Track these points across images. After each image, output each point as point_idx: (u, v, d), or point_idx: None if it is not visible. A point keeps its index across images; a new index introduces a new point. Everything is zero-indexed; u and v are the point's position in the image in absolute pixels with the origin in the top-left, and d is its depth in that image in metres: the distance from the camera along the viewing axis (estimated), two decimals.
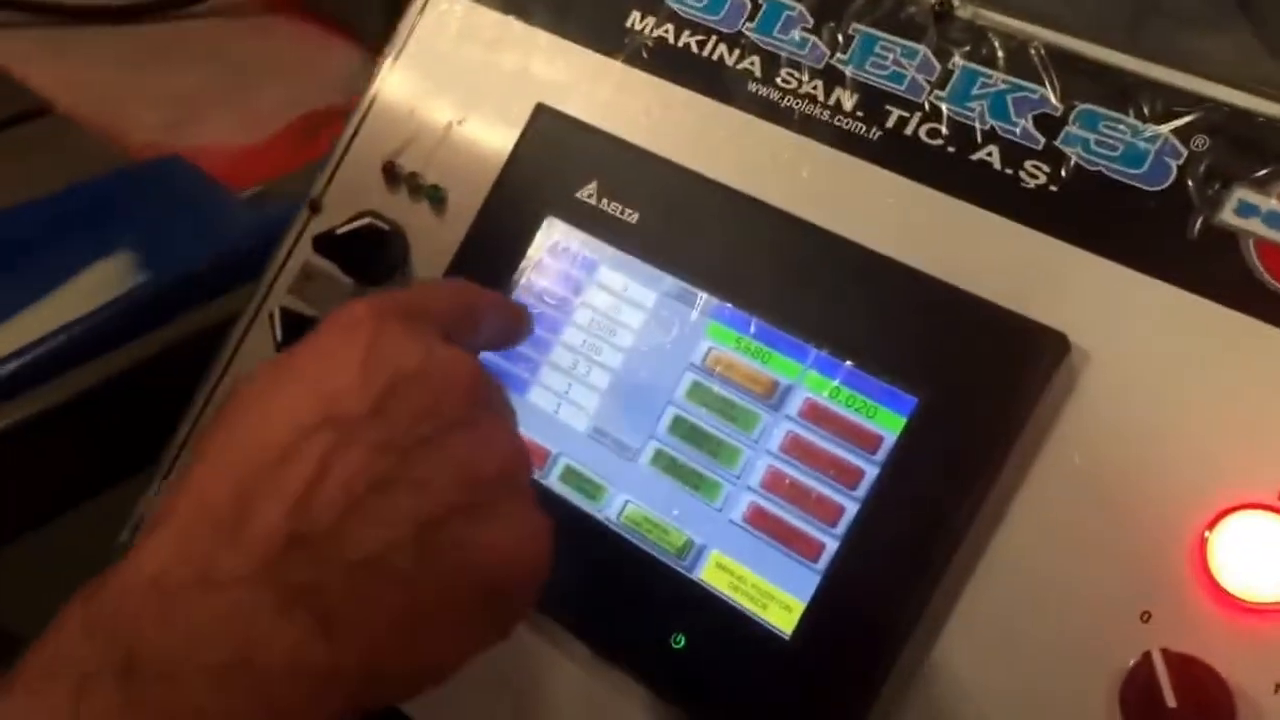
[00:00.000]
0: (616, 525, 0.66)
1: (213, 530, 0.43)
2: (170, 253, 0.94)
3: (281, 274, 0.80)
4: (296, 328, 0.73)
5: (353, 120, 0.80)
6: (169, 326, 0.92)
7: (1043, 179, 0.62)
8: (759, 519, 0.63)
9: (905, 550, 0.59)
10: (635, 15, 0.74)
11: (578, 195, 0.70)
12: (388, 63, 0.81)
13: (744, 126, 0.69)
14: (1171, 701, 0.51)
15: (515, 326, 0.62)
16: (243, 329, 0.80)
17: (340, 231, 0.72)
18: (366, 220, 0.72)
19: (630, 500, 0.66)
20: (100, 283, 0.94)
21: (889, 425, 0.61)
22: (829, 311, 0.64)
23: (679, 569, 0.64)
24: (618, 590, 0.66)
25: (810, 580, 0.61)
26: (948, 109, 0.65)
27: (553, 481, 0.68)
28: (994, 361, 0.59)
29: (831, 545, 0.61)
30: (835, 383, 0.63)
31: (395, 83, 0.80)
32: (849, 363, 0.62)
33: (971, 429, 0.59)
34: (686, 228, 0.68)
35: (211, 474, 0.46)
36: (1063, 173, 0.62)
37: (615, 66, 0.74)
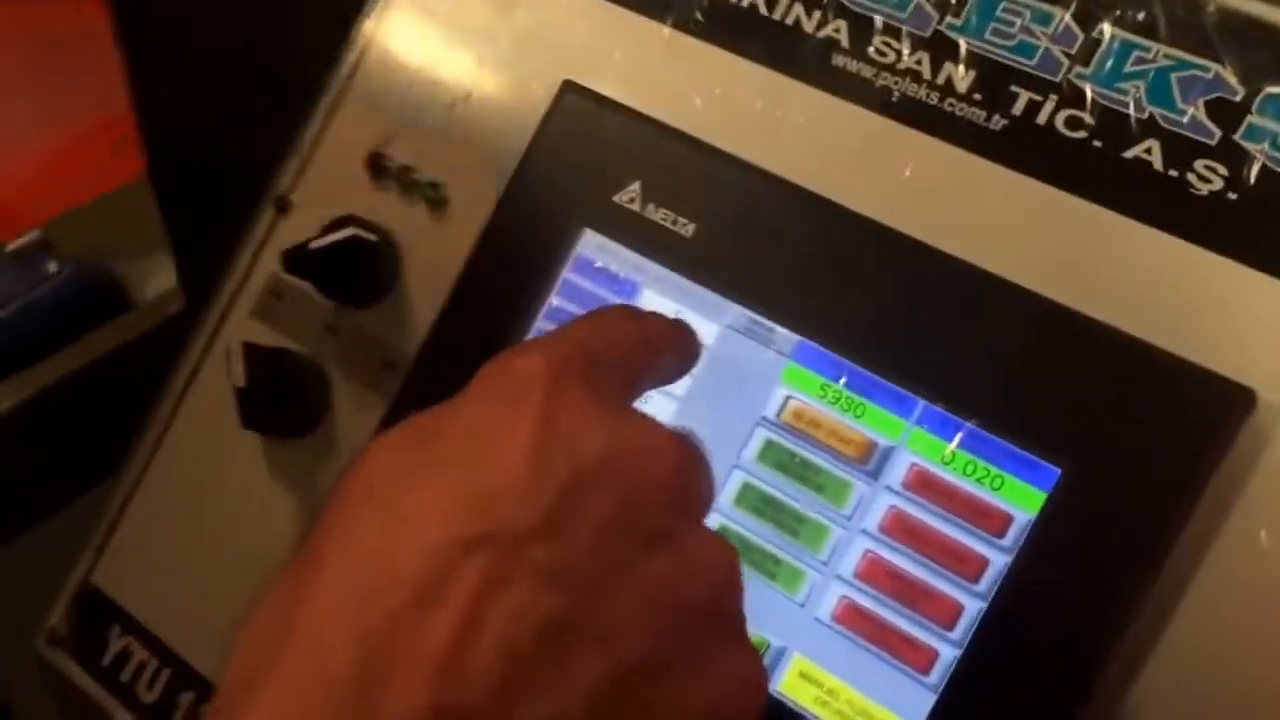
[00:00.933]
0: None
1: (333, 707, 0.36)
2: None
3: (242, 291, 0.70)
4: (265, 368, 0.63)
5: (326, 98, 0.70)
6: None
7: (1218, 184, 0.54)
8: (853, 618, 0.55)
9: (1044, 662, 0.52)
10: None
11: (616, 199, 0.61)
12: (369, 24, 0.71)
13: (827, 112, 0.61)
14: None
15: (689, 354, 0.53)
16: (192, 364, 0.71)
17: (315, 246, 0.63)
18: (349, 232, 0.63)
19: None
20: None
21: (1023, 502, 0.53)
22: (941, 354, 0.56)
23: None
24: None
25: (922, 698, 0.54)
26: (1093, 91, 0.56)
27: None
28: (1160, 422, 0.52)
29: (948, 654, 0.54)
30: (951, 446, 0.54)
31: (380, 51, 0.70)
32: (970, 420, 0.53)
33: (1132, 508, 0.52)
34: (756, 243, 0.59)
35: (327, 618, 0.37)
36: (1245, 176, 0.53)
37: (663, 32, 0.65)
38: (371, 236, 0.64)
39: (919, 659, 0.54)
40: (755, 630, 0.56)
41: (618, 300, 0.61)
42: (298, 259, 0.64)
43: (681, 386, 0.59)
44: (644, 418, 0.42)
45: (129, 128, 0.81)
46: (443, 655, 0.36)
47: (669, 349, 0.50)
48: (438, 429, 0.41)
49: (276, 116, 0.72)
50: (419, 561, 0.37)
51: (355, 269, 0.64)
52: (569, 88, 0.64)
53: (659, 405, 0.59)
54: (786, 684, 0.56)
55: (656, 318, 0.51)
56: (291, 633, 0.37)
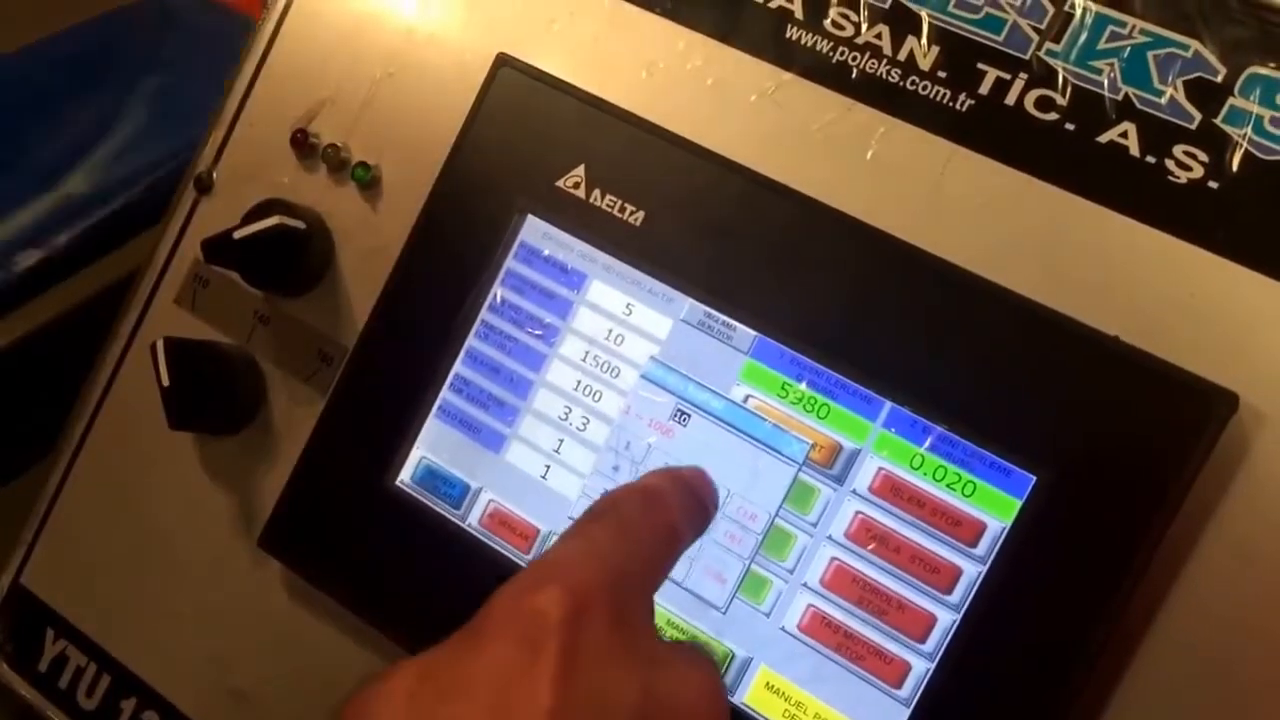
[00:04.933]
0: None
1: None
2: (193, 109, 0.81)
3: (164, 278, 0.64)
4: (190, 364, 0.58)
5: (244, 69, 0.63)
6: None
7: (1198, 171, 0.50)
8: (821, 629, 0.52)
9: (1020, 676, 0.49)
10: None
11: (559, 184, 0.56)
12: None
13: (781, 89, 0.55)
14: None
15: (709, 516, 0.48)
16: (115, 356, 0.65)
17: (238, 235, 0.57)
18: (274, 221, 0.57)
19: None
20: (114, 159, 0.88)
21: (996, 510, 0.50)
22: (909, 352, 0.52)
23: None
24: None
25: (895, 712, 0.52)
26: (1064, 70, 0.52)
27: None
28: (1139, 427, 0.48)
29: (920, 667, 0.51)
30: (920, 450, 0.51)
31: (301, 16, 0.64)
32: (940, 424, 0.49)
33: (1110, 516, 0.48)
34: (709, 232, 0.54)
35: None
36: (1226, 163, 0.50)
37: (603, 2, 0.59)
38: (299, 224, 0.59)
39: (890, 672, 0.51)
40: (718, 639, 0.53)
41: (565, 292, 0.56)
42: (220, 248, 0.58)
43: (634, 382, 0.55)
44: (669, 655, 0.39)
45: None
46: None
47: (690, 524, 0.45)
48: (450, 680, 0.36)
49: None
50: None
51: (282, 258, 0.59)
52: (504, 61, 0.58)
53: (612, 404, 0.55)
54: (752, 696, 0.53)
55: (672, 490, 0.45)
56: None
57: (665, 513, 0.43)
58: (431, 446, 0.58)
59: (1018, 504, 0.49)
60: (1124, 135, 0.50)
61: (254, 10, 0.86)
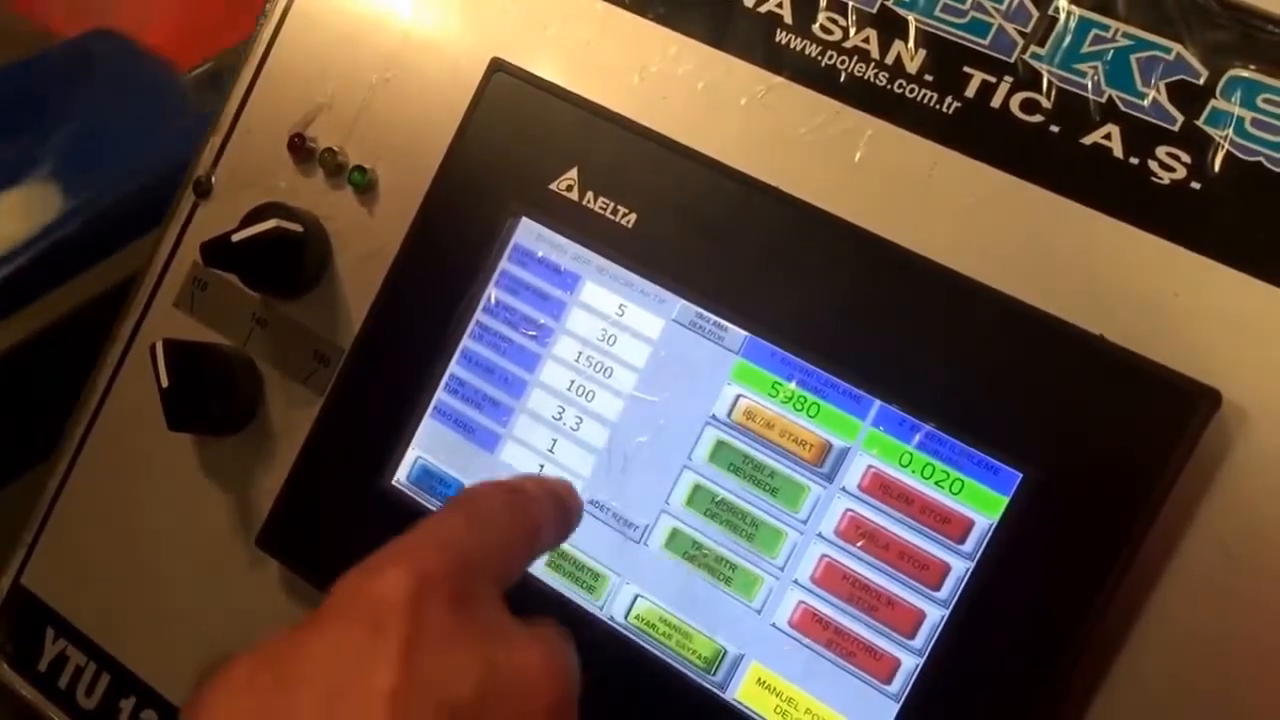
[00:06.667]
0: (623, 627, 0.55)
1: None
2: (112, 155, 0.80)
3: (164, 281, 0.65)
4: (189, 366, 0.59)
5: (244, 74, 0.64)
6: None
7: (1181, 172, 0.50)
8: (812, 625, 0.52)
9: (1009, 671, 0.50)
10: None
11: (552, 187, 0.57)
12: None
13: (771, 93, 0.56)
14: None
15: (571, 519, 0.48)
16: (115, 358, 0.66)
17: (237, 238, 0.57)
18: (272, 224, 0.58)
19: (640, 594, 0.55)
20: (28, 204, 0.85)
21: (984, 507, 0.50)
22: (897, 352, 0.52)
23: (707, 685, 0.54)
24: (626, 714, 0.54)
25: (885, 708, 0.52)
26: (1049, 73, 0.52)
27: (539, 570, 0.55)
28: (1124, 425, 0.49)
29: (910, 662, 0.51)
30: (908, 448, 0.51)
31: (299, 22, 0.64)
32: (928, 422, 0.50)
33: (1095, 512, 0.49)
34: (700, 234, 0.55)
35: None
36: (1208, 164, 0.50)
37: (596, 7, 0.59)
38: (296, 227, 0.59)
39: (880, 667, 0.51)
40: (710, 636, 0.53)
41: (560, 293, 0.56)
42: (218, 251, 0.59)
43: (628, 382, 0.55)
44: (515, 633, 0.38)
45: None
46: None
47: (551, 525, 0.45)
48: (290, 664, 0.36)
49: None
50: None
51: (280, 261, 0.60)
52: (498, 66, 0.58)
53: (606, 405, 0.55)
54: (744, 692, 0.53)
55: (533, 491, 0.45)
56: None
57: (525, 511, 0.43)
58: (427, 446, 0.58)
59: (1004, 501, 0.50)
60: (1108, 137, 0.51)
61: (183, 58, 0.87)
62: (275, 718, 0.34)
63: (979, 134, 0.53)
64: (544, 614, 0.41)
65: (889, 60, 0.54)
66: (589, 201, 0.56)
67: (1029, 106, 0.52)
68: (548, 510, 0.44)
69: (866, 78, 0.54)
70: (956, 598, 0.50)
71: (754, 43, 0.56)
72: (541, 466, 0.56)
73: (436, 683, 0.35)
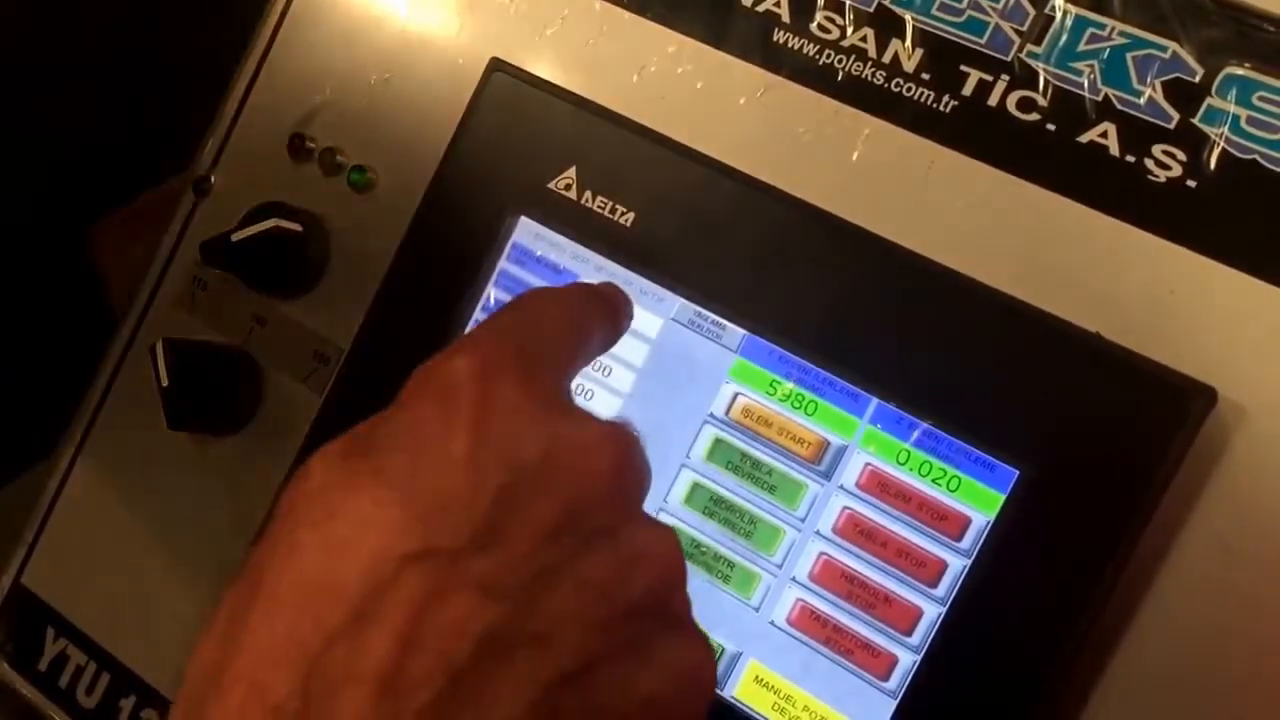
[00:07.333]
0: None
1: None
2: None
3: (164, 280, 0.65)
4: (189, 365, 0.59)
5: (243, 74, 0.64)
6: None
7: (1177, 170, 0.50)
8: (809, 622, 0.52)
9: (1006, 669, 0.50)
10: None
11: (551, 186, 0.57)
12: None
13: (769, 91, 0.56)
14: None
15: (620, 318, 0.49)
16: (116, 357, 0.66)
17: (236, 238, 0.58)
18: (271, 223, 0.58)
19: None
20: None
21: (980, 504, 0.50)
22: (894, 350, 0.52)
23: None
24: None
25: (882, 705, 0.52)
26: (1045, 71, 0.53)
27: None
28: (1120, 422, 0.49)
29: (907, 659, 0.51)
30: (906, 445, 0.51)
31: (298, 22, 0.64)
32: (925, 419, 0.50)
33: (1092, 510, 0.49)
34: (698, 233, 0.55)
35: (266, 644, 0.36)
36: (1204, 161, 0.50)
37: (595, 6, 0.60)
38: (296, 226, 0.59)
39: (878, 665, 0.51)
40: (709, 634, 0.53)
41: None
42: (218, 251, 0.59)
43: (626, 382, 0.55)
44: (578, 412, 0.40)
45: None
46: (383, 674, 0.34)
47: (598, 322, 0.47)
48: (374, 439, 0.38)
49: None
50: (357, 579, 0.35)
51: (280, 260, 0.60)
52: (496, 66, 0.59)
53: (603, 403, 0.56)
54: (742, 690, 0.53)
55: (579, 292, 0.48)
56: (232, 662, 0.36)
57: (570, 306, 0.45)
58: None
59: (1001, 498, 0.50)
60: (1104, 135, 0.51)
61: None
62: (361, 478, 0.37)
63: (976, 132, 0.53)
64: None
65: (886, 59, 0.54)
66: (587, 200, 0.56)
67: (1026, 105, 0.52)
68: (596, 311, 0.46)
69: (864, 76, 0.55)
70: (954, 595, 0.50)
71: (752, 42, 0.56)
72: None
73: (503, 448, 0.37)
